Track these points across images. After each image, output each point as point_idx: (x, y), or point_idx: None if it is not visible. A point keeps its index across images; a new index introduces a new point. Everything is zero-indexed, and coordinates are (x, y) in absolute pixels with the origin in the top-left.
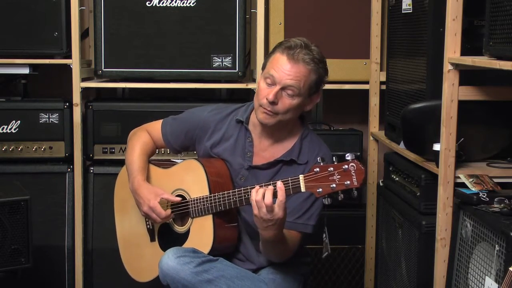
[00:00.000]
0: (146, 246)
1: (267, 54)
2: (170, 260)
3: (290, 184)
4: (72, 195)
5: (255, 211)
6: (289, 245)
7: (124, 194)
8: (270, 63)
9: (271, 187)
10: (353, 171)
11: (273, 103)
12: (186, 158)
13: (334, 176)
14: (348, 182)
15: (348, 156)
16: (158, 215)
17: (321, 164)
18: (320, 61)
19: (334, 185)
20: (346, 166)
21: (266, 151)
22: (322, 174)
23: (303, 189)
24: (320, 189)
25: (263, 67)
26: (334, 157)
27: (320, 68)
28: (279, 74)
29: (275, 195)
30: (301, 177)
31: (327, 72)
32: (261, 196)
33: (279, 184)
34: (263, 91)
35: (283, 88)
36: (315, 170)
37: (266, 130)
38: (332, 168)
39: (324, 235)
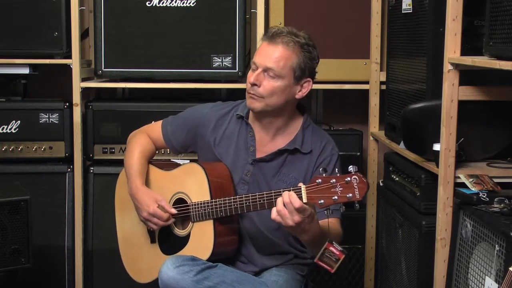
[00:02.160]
0: (146, 248)
1: None
2: (170, 270)
3: None
4: (72, 195)
5: (282, 222)
6: (331, 234)
7: (124, 194)
8: (255, 52)
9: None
10: (356, 184)
11: (254, 85)
12: (188, 159)
13: (337, 188)
14: (350, 195)
15: (351, 168)
16: (160, 218)
17: (323, 175)
18: (305, 44)
19: (336, 197)
20: (349, 179)
21: (267, 145)
22: (324, 186)
23: (304, 199)
24: (322, 201)
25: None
26: (337, 169)
27: (304, 50)
28: (259, 58)
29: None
30: (303, 187)
31: (314, 56)
32: (281, 206)
33: (290, 196)
34: (248, 78)
35: (265, 71)
36: (317, 181)
37: (264, 123)
38: (334, 180)
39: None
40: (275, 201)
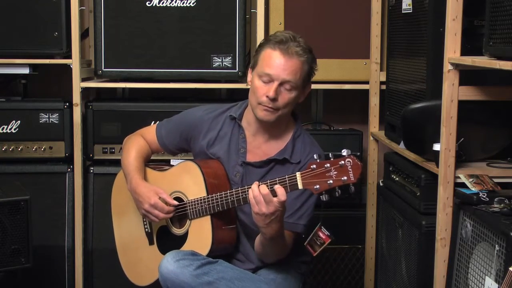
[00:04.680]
0: (145, 250)
1: (255, 51)
2: (170, 264)
3: (288, 182)
4: (72, 195)
5: (255, 208)
6: (286, 243)
7: (121, 198)
8: (263, 60)
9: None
10: (350, 167)
11: (274, 99)
12: (184, 159)
13: (331, 172)
14: (345, 177)
15: (344, 152)
16: (161, 210)
17: (318, 161)
18: (309, 51)
19: (331, 181)
20: (343, 162)
21: (259, 148)
22: (319, 171)
23: (300, 186)
24: (317, 186)
25: (254, 65)
26: (330, 154)
27: (309, 58)
28: (275, 70)
29: (273, 194)
30: (298, 174)
31: (315, 60)
32: (258, 191)
33: (278, 188)
34: (261, 89)
35: (281, 84)
36: (311, 167)
37: (262, 127)
38: (328, 164)
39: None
40: (272, 190)
